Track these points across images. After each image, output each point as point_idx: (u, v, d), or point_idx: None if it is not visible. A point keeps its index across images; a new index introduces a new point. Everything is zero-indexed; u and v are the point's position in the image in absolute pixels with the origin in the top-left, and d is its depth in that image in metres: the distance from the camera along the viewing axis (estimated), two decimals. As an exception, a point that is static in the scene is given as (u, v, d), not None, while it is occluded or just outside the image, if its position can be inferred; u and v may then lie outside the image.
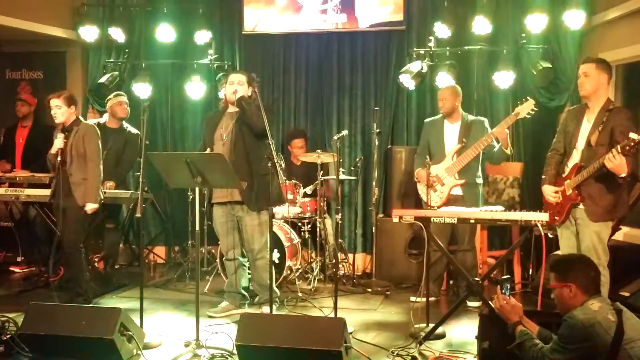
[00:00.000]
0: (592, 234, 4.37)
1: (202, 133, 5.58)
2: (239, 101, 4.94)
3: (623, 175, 4.09)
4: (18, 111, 7.00)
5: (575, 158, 4.49)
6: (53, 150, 5.26)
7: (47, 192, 5.86)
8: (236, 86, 5.01)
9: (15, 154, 6.93)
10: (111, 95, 6.46)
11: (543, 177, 4.71)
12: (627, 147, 3.96)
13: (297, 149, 6.92)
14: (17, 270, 6.90)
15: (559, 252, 4.72)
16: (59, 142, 5.22)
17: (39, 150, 6.76)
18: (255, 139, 4.99)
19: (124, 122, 6.39)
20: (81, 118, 5.48)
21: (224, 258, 5.39)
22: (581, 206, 4.40)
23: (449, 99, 5.63)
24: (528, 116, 5.23)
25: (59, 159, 5.21)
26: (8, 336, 4.11)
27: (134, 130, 6.42)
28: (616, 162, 4.02)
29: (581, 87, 4.45)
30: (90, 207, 5.26)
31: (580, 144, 4.46)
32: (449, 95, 5.64)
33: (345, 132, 6.18)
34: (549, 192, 4.57)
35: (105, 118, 6.41)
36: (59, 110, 5.27)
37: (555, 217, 4.52)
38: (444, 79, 6.35)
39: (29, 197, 6.02)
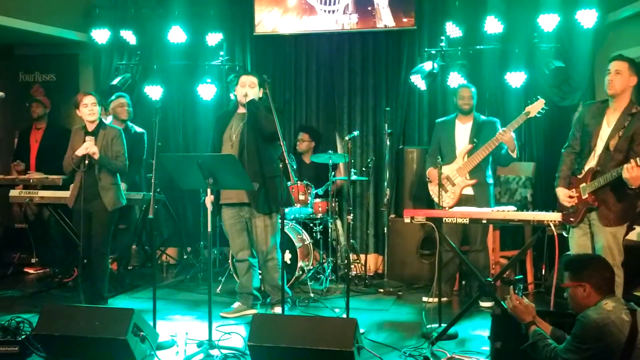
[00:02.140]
0: (608, 235, 4.32)
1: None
2: (249, 105, 4.95)
3: (635, 187, 4.03)
4: (33, 112, 7.04)
5: (592, 161, 4.40)
6: (80, 153, 5.10)
7: (60, 193, 5.90)
8: (247, 88, 5.02)
9: (30, 156, 6.97)
10: (113, 97, 6.47)
11: (557, 176, 4.65)
12: None
13: (300, 142, 7.00)
14: (31, 271, 6.95)
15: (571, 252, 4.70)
16: (88, 144, 5.09)
17: (53, 152, 6.81)
18: (265, 141, 5.00)
19: (128, 123, 6.41)
20: (104, 120, 5.44)
21: (234, 259, 5.40)
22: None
23: (473, 97, 5.64)
24: (539, 115, 5.20)
25: (86, 161, 5.10)
26: (23, 337, 4.13)
27: (139, 130, 6.46)
28: (634, 174, 3.97)
29: (610, 84, 4.27)
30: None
31: (599, 146, 4.36)
32: (472, 95, 5.65)
33: (356, 133, 6.18)
34: (563, 196, 4.50)
35: (109, 120, 6.33)
36: (95, 107, 5.22)
37: (571, 219, 4.49)
38: (456, 79, 6.35)
39: (43, 199, 6.05)
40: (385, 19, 6.94)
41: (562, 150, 4.69)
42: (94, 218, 5.27)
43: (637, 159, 3.97)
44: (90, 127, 5.27)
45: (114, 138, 5.29)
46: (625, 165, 4.00)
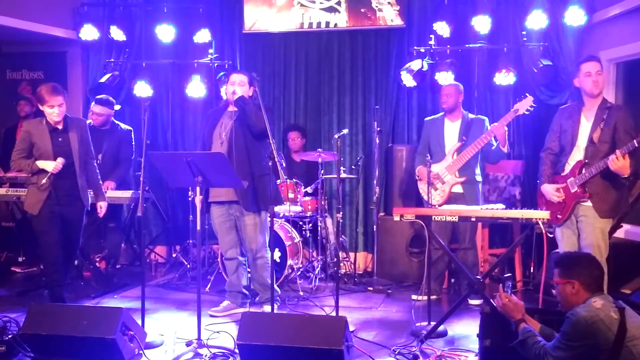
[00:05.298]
0: (596, 230, 4.41)
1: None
2: (238, 101, 4.94)
3: (626, 175, 4.18)
4: (21, 110, 6.97)
5: (577, 156, 4.52)
6: (50, 169, 4.93)
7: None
8: (237, 86, 5.00)
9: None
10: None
11: (541, 177, 4.73)
12: (629, 151, 4.09)
13: (291, 141, 6.99)
14: (18, 270, 6.89)
15: (559, 250, 4.72)
16: (59, 166, 4.94)
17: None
18: (255, 139, 4.99)
19: (113, 120, 6.38)
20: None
21: (223, 258, 5.39)
22: (587, 203, 4.44)
23: (453, 94, 5.63)
24: (527, 112, 5.23)
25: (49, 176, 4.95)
26: (10, 336, 4.11)
27: (126, 127, 6.42)
28: (619, 164, 4.12)
29: (596, 85, 4.46)
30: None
31: (582, 141, 4.49)
32: (453, 91, 5.65)
33: (346, 131, 6.17)
34: (551, 190, 4.56)
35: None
36: (62, 108, 4.96)
37: (558, 216, 4.52)
38: (445, 77, 6.36)
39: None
40: (375, 18, 6.95)
41: (541, 153, 4.82)
42: (74, 223, 5.18)
43: (623, 148, 4.12)
44: (58, 125, 4.99)
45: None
46: (610, 157, 4.16)
